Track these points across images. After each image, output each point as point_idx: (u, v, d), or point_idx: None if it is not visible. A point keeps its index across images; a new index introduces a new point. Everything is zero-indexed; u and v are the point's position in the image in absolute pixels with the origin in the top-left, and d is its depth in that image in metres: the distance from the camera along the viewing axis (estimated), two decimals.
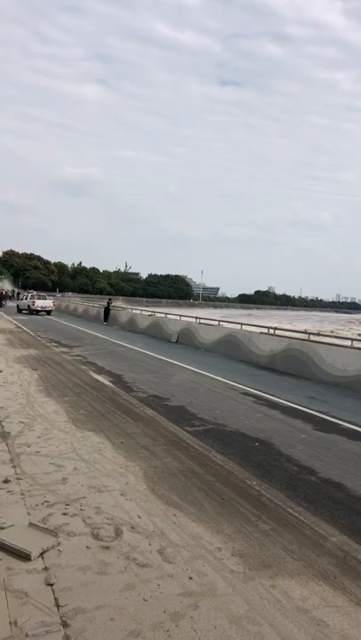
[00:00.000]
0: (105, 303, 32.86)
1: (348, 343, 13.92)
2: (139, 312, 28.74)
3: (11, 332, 20.63)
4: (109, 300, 34.46)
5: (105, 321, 30.23)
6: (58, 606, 2.99)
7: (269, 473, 5.81)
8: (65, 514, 4.21)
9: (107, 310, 30.87)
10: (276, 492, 5.15)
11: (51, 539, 3.73)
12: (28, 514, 4.16)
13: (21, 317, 32.86)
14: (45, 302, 39.00)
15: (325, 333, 16.04)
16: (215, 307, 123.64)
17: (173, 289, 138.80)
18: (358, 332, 37.31)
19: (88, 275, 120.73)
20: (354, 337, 16.57)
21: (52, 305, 39.10)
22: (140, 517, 4.24)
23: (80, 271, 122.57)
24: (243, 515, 4.48)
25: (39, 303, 38.27)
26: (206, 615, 3.01)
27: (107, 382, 10.78)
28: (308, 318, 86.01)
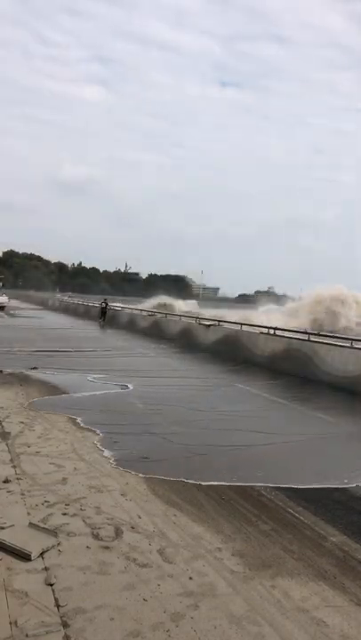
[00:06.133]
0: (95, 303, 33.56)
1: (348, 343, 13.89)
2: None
3: None
4: (105, 299, 33.97)
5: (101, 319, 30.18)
6: (58, 606, 2.99)
7: None
8: (65, 514, 4.21)
9: (103, 310, 30.86)
10: None
11: (51, 539, 3.73)
12: (28, 514, 4.16)
13: None
14: (2, 298, 40.46)
15: (325, 333, 16.05)
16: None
17: (174, 289, 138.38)
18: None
19: (88, 275, 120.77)
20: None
21: (7, 300, 40.54)
22: (140, 517, 4.24)
23: (80, 271, 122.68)
24: (243, 515, 4.48)
25: None
26: (206, 615, 3.01)
27: None
28: None
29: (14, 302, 47.66)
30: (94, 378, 10.97)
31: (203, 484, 5.14)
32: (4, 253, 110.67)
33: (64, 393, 9.31)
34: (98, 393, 9.56)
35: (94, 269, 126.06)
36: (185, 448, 6.34)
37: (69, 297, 53.64)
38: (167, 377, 12.25)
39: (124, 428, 7.13)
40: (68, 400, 8.80)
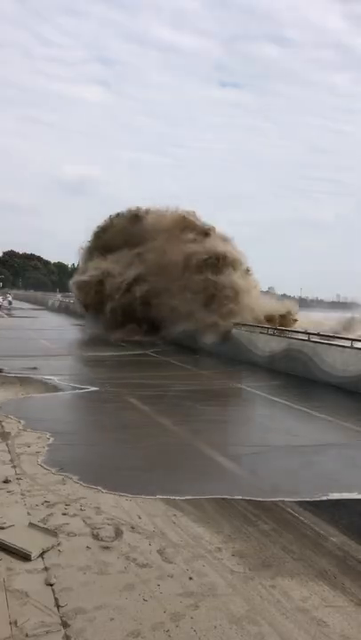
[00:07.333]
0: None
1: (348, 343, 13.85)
2: None
3: None
4: None
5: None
6: (58, 606, 2.99)
7: None
8: (65, 514, 4.21)
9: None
10: None
11: (51, 539, 3.73)
12: (28, 514, 4.16)
13: None
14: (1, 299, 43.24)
15: (325, 334, 15.97)
16: None
17: None
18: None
19: None
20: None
21: (0, 301, 42.76)
22: (140, 517, 4.24)
23: None
24: (243, 515, 4.48)
25: None
26: (206, 615, 3.01)
27: None
28: None
29: (14, 302, 47.84)
30: (67, 380, 10.89)
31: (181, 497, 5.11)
32: (4, 253, 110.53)
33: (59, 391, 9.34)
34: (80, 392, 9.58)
35: None
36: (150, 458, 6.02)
37: (69, 298, 53.87)
38: (165, 378, 12.24)
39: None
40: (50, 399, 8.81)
